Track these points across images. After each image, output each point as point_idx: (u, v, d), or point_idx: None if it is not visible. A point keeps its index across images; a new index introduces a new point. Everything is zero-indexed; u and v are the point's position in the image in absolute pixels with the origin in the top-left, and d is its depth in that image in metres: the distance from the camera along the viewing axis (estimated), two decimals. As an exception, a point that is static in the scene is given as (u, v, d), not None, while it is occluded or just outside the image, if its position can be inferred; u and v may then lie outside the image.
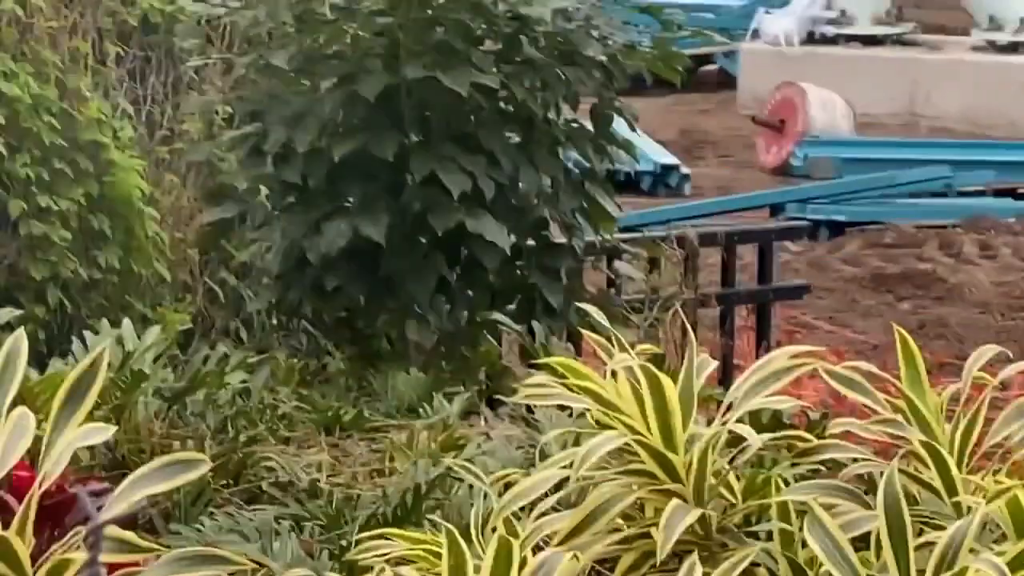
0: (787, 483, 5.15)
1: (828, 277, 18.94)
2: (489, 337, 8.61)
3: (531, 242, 8.84)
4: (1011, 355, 5.79)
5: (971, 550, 4.56)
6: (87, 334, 7.30)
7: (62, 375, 5.23)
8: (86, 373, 4.48)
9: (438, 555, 4.60)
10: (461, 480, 5.79)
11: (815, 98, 26.33)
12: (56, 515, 4.46)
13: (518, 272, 8.87)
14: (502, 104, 8.69)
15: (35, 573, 4.04)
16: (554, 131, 8.80)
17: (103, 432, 4.56)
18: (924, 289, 18.49)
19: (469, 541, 4.78)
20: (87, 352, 6.55)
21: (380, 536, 5.12)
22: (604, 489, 5.10)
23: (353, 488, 6.42)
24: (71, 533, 4.15)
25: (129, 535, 4.18)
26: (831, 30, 30.59)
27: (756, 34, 30.54)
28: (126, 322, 7.44)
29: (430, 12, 8.52)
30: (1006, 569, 4.34)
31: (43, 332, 8.39)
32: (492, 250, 8.38)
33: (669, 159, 23.64)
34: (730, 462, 5.10)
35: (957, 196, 23.33)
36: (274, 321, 9.11)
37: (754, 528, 5.12)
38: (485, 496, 5.28)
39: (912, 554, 4.61)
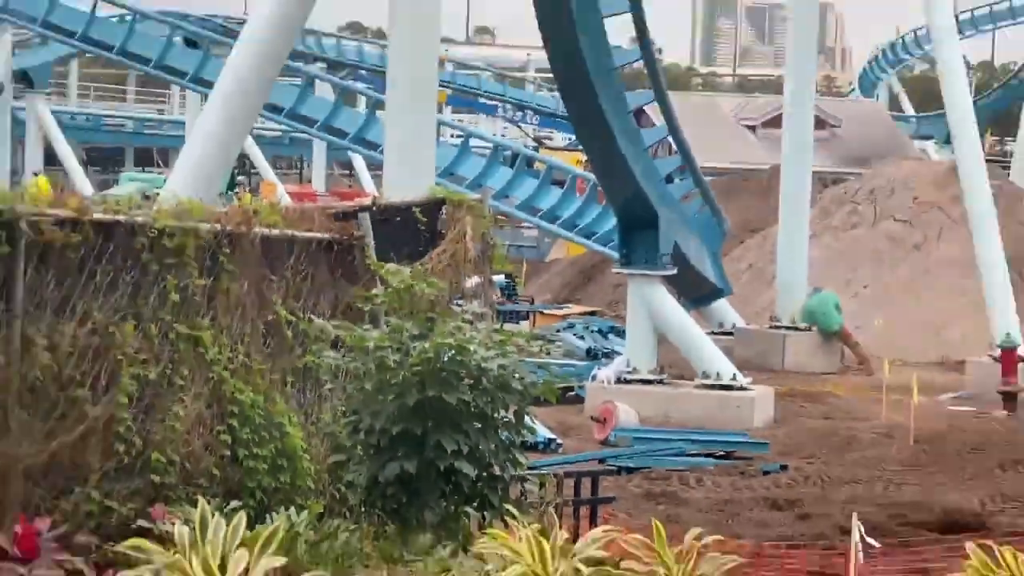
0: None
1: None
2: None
3: (485, 473, 13.35)
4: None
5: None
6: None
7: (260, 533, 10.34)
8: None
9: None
10: None
11: (621, 409, 32.31)
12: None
13: (478, 487, 13.38)
14: (472, 408, 13.15)
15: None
16: (498, 422, 13.51)
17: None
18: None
19: None
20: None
21: None
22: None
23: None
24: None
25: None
26: (630, 375, 35.55)
27: (594, 377, 35.45)
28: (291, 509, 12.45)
29: (439, 366, 12.99)
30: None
31: (253, 512, 12.28)
32: (467, 477, 13.16)
33: (550, 435, 29.22)
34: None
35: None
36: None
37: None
38: None
39: None
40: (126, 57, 62.70)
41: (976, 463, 30.88)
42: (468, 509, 13.34)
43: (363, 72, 75.05)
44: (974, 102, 53.70)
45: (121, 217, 12.59)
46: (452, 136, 56.66)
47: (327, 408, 14.50)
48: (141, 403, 12.59)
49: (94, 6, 63.36)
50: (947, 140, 57.91)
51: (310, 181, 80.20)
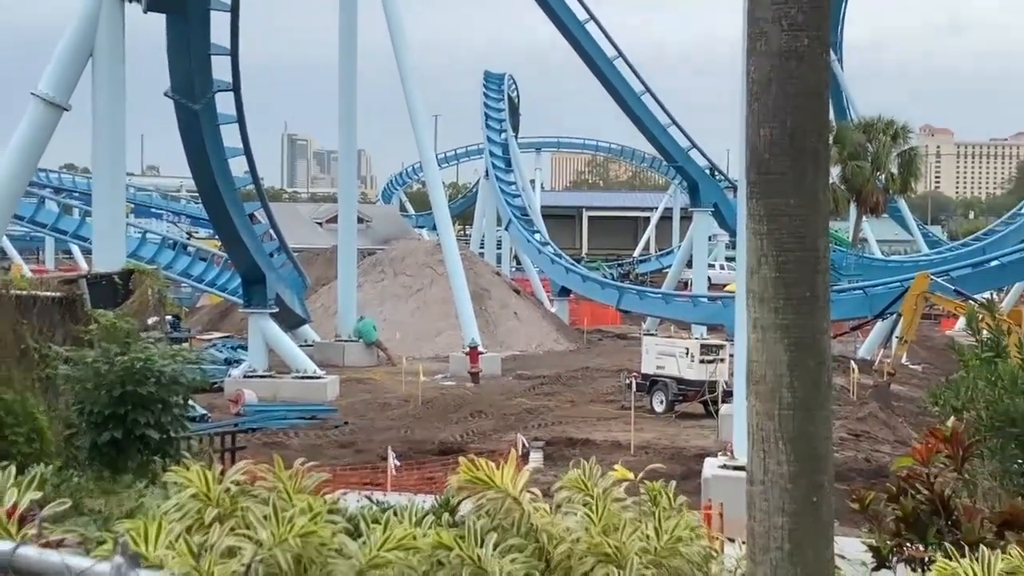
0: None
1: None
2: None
3: (165, 436, 13.88)
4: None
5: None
6: None
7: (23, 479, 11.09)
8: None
9: None
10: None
11: (247, 393, 31.92)
12: None
13: (162, 444, 13.26)
14: (156, 396, 12.76)
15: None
16: (173, 404, 13.50)
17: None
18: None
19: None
20: None
21: None
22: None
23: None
24: None
25: None
26: (251, 373, 35.98)
27: (230, 375, 35.04)
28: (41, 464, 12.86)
29: (134, 371, 12.43)
30: None
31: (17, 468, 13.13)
32: (154, 439, 12.49)
33: (204, 411, 28.83)
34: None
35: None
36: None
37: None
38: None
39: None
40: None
41: (457, 414, 31.63)
42: (156, 459, 12.80)
43: (76, 193, 71.94)
44: (450, 206, 55.33)
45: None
46: (135, 232, 55.07)
47: (62, 401, 13.71)
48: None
49: None
50: (433, 228, 59.23)
51: (44, 262, 76.68)
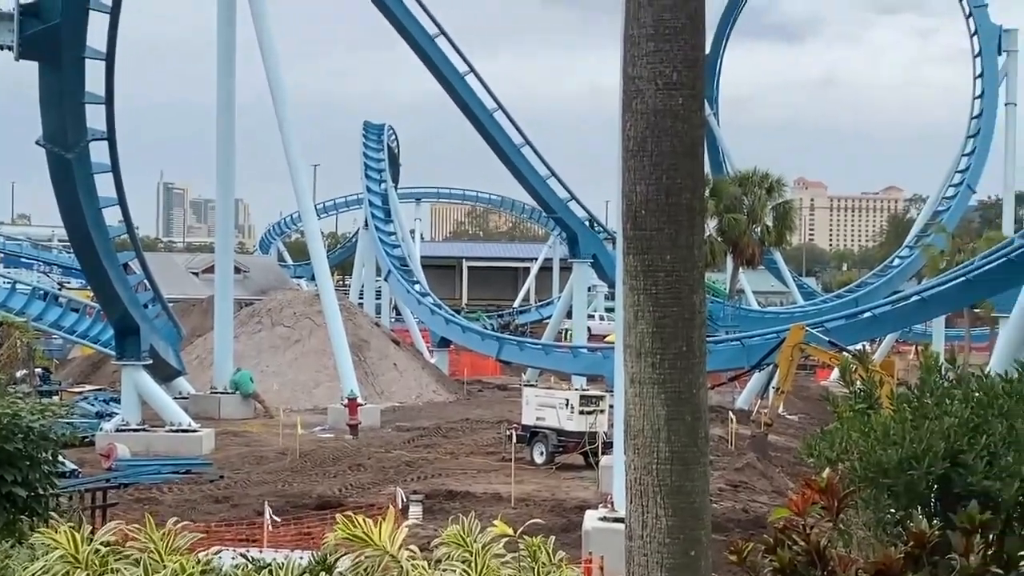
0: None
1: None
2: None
3: (33, 493, 13.50)
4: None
5: None
6: None
7: None
8: None
9: None
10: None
11: (119, 447, 30.77)
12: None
13: (29, 503, 12.57)
14: (23, 453, 13.55)
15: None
16: (41, 460, 14.00)
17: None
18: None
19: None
20: None
21: None
22: None
23: None
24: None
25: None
26: (124, 426, 34.97)
27: (102, 428, 34.43)
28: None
29: (1, 427, 13.24)
30: None
31: None
32: (21, 497, 12.32)
33: (74, 467, 28.00)
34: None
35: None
36: None
37: None
38: None
39: None
40: None
41: (335, 467, 31.35)
42: (23, 517, 12.39)
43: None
44: (329, 256, 54.80)
45: None
46: (4, 282, 53.61)
47: None
48: None
49: None
50: (312, 278, 58.78)
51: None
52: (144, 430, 35.10)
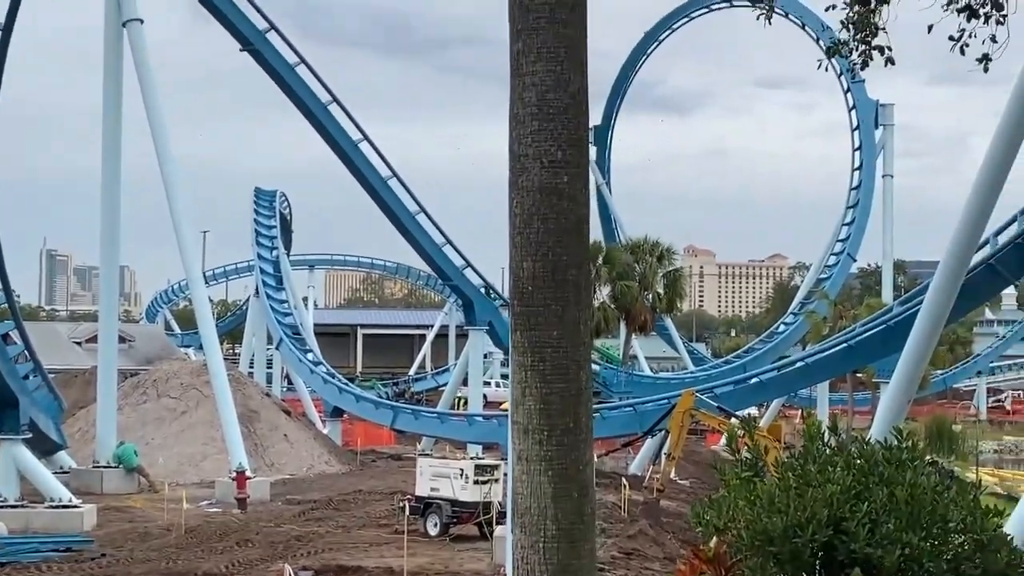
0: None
1: None
2: None
3: None
4: None
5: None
6: None
7: None
8: None
9: None
10: None
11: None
12: None
13: None
14: None
15: None
16: None
17: None
18: None
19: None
20: None
21: None
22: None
23: None
24: None
25: None
26: (2, 503, 33.61)
27: None
28: None
29: None
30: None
31: None
32: None
33: None
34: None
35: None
36: None
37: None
38: None
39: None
40: None
41: (222, 543, 30.73)
42: None
43: None
44: (219, 325, 53.94)
45: None
46: None
47: None
48: None
49: None
50: (200, 347, 57.74)
51: None
52: (23, 506, 34.03)
